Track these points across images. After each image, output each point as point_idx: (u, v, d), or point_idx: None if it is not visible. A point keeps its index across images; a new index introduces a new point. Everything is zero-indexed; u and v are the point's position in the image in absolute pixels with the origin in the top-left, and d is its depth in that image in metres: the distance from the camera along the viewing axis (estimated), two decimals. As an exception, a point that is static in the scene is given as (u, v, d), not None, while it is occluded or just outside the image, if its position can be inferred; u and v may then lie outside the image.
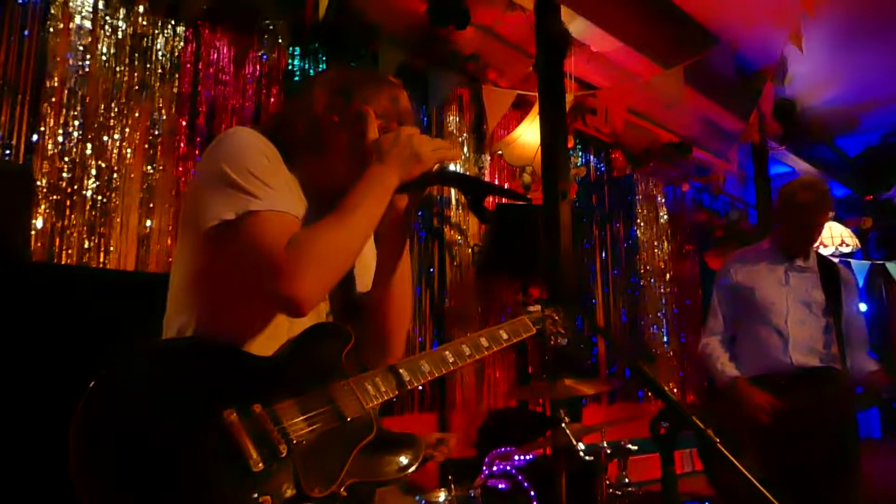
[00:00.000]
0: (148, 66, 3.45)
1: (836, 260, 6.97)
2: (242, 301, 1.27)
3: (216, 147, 1.31)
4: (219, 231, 1.23)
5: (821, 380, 2.85)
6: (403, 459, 1.29)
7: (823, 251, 6.90)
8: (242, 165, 1.25)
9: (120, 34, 3.36)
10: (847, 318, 2.95)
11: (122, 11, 3.38)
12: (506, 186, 4.96)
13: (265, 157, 1.29)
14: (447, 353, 1.44)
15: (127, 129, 3.33)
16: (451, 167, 4.76)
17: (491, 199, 4.63)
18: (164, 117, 3.48)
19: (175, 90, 3.55)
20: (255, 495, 1.10)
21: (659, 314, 6.47)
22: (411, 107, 1.49)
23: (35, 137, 3.03)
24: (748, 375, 2.88)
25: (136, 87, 3.39)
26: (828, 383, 2.85)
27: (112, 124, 3.28)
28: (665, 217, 6.78)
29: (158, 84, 3.48)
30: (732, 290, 3.05)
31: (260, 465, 1.12)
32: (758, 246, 3.16)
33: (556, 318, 1.68)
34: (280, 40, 3.96)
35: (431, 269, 4.57)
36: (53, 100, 3.10)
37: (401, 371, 1.36)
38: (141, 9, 3.45)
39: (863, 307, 8.12)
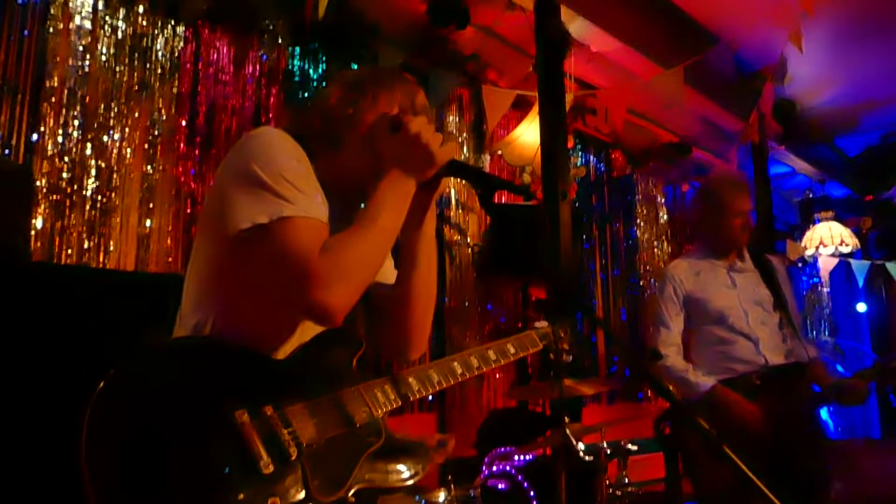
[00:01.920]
0: (148, 66, 3.45)
1: (835, 258, 6.99)
2: (262, 304, 1.27)
3: (245, 146, 1.31)
4: (250, 234, 1.22)
5: (791, 376, 2.83)
6: (411, 467, 1.31)
7: (823, 251, 6.92)
8: (275, 169, 1.24)
9: (120, 34, 3.36)
10: (791, 309, 2.95)
11: (122, 11, 3.38)
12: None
13: (296, 160, 1.29)
14: (455, 363, 1.45)
15: (127, 129, 3.33)
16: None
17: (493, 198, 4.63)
18: (164, 117, 3.48)
19: (175, 90, 3.54)
20: (264, 497, 1.11)
21: (659, 314, 6.46)
22: (427, 104, 1.49)
23: (35, 137, 3.03)
24: (717, 381, 2.81)
25: (136, 87, 3.39)
26: (797, 379, 2.84)
27: (112, 124, 3.28)
28: (665, 217, 6.78)
29: (158, 84, 3.48)
30: (683, 299, 2.96)
31: (270, 466, 1.12)
32: (690, 253, 3.12)
33: (563, 334, 1.69)
34: (280, 40, 3.96)
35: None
36: (53, 100, 3.09)
37: (410, 380, 1.38)
38: (141, 9, 3.44)
39: (862, 307, 8.18)
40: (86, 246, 3.14)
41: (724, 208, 2.90)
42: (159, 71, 3.49)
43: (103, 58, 3.28)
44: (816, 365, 2.90)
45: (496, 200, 4.64)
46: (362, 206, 1.49)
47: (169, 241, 3.42)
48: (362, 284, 1.26)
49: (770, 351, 2.85)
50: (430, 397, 4.35)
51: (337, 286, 1.20)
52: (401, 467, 1.30)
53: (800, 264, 7.44)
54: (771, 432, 2.66)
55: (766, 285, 2.95)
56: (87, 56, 3.22)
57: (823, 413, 6.86)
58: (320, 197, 1.34)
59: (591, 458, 2.83)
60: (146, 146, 3.40)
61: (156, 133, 3.44)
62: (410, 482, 1.29)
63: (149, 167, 3.40)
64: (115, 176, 3.26)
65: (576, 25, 4.25)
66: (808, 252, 7.03)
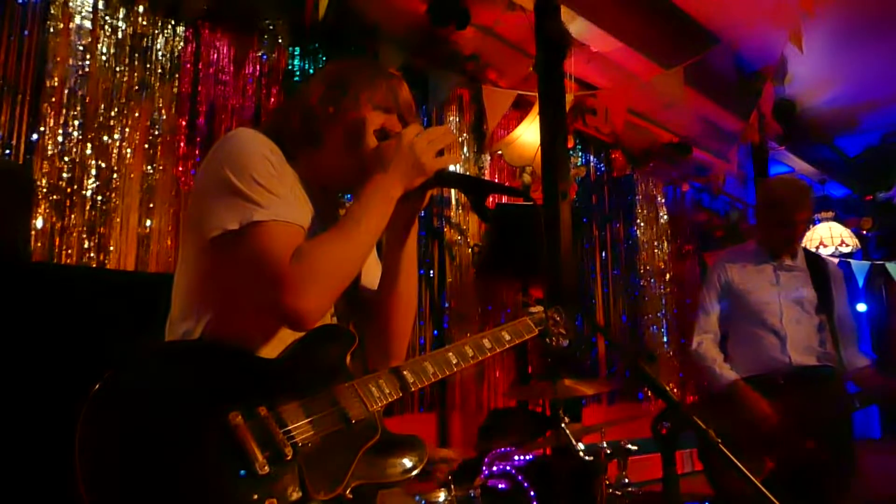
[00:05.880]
0: (148, 66, 3.45)
1: (835, 258, 7.00)
2: (247, 308, 1.26)
3: (219, 150, 1.30)
4: (223, 239, 1.22)
5: (818, 378, 2.84)
6: (408, 461, 1.29)
7: (823, 251, 6.92)
8: (246, 172, 1.23)
9: (120, 34, 3.36)
10: (838, 313, 2.93)
11: (122, 11, 3.38)
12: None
13: (269, 163, 1.27)
14: (450, 354, 1.43)
15: (127, 129, 3.33)
16: (452, 167, 4.76)
17: (491, 199, 4.63)
18: (164, 117, 3.48)
19: (175, 90, 3.54)
20: (261, 498, 1.10)
21: (659, 314, 6.47)
22: (412, 99, 1.47)
23: (35, 137, 3.03)
24: (744, 375, 2.86)
25: (136, 87, 3.39)
26: (825, 382, 2.84)
27: (112, 124, 3.28)
28: (665, 217, 6.78)
29: (158, 84, 3.48)
30: (725, 290, 3.03)
31: (265, 467, 1.11)
32: (744, 246, 3.16)
33: (558, 318, 1.68)
34: (280, 40, 3.96)
35: (431, 270, 4.57)
36: (53, 100, 3.09)
37: (405, 373, 1.36)
38: (141, 9, 3.44)
39: (862, 307, 8.18)
40: (86, 246, 3.14)
41: (787, 215, 2.90)
42: (159, 71, 3.49)
43: (103, 58, 3.28)
44: (865, 372, 2.87)
45: (497, 200, 4.64)
46: (346, 203, 1.48)
47: (169, 241, 3.41)
48: (336, 290, 1.25)
49: (797, 351, 2.86)
50: (430, 397, 4.35)
51: (308, 291, 1.19)
52: (399, 461, 1.28)
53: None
54: (791, 432, 2.66)
55: (813, 286, 2.94)
56: (87, 56, 3.22)
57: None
58: (298, 199, 1.33)
59: (591, 458, 2.83)
60: (146, 146, 3.40)
61: (156, 133, 3.44)
62: (409, 475, 1.28)
63: (149, 167, 3.40)
64: (115, 176, 3.26)
65: (576, 25, 4.25)
66: (809, 252, 7.03)
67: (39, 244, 2.98)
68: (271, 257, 1.19)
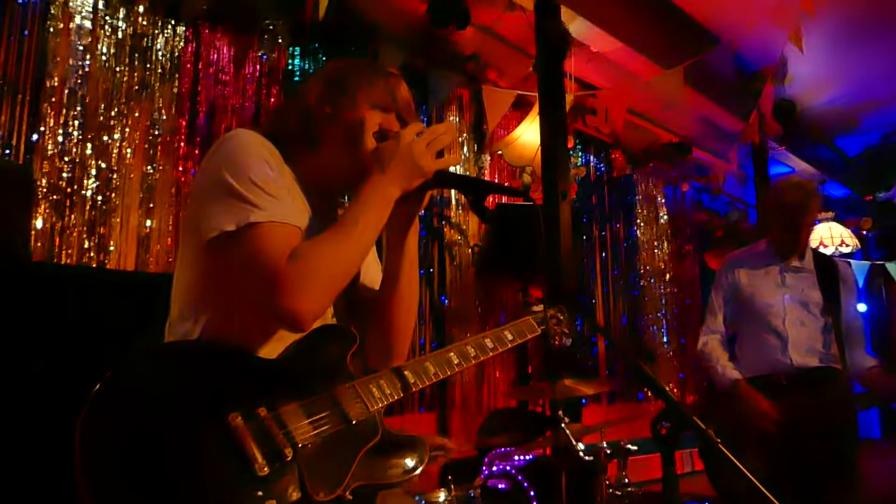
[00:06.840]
0: (148, 66, 3.45)
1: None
2: (246, 309, 1.26)
3: (217, 152, 1.30)
4: (220, 241, 1.22)
5: (821, 380, 2.84)
6: (408, 462, 1.29)
7: (824, 252, 6.91)
8: (244, 173, 1.23)
9: (120, 34, 3.36)
10: (845, 315, 2.93)
11: (122, 11, 3.38)
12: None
13: (267, 164, 1.27)
14: (452, 354, 1.43)
15: (127, 129, 3.33)
16: (451, 168, 4.76)
17: (491, 199, 4.63)
18: (164, 117, 3.47)
19: (175, 90, 3.54)
20: (261, 499, 1.10)
21: (659, 314, 6.47)
22: (412, 98, 1.47)
23: (35, 137, 3.03)
24: (748, 376, 2.87)
25: (136, 87, 3.39)
26: (828, 383, 2.84)
27: (112, 124, 3.28)
28: (665, 217, 6.78)
29: (158, 84, 3.48)
30: (732, 291, 3.04)
31: (265, 468, 1.11)
32: (754, 247, 3.16)
33: (561, 318, 1.68)
34: (280, 40, 3.96)
35: (431, 269, 4.56)
36: (53, 100, 3.09)
37: (406, 373, 1.35)
38: (141, 9, 3.44)
39: (862, 308, 8.18)
40: (86, 246, 3.14)
41: (793, 218, 2.91)
42: (159, 71, 3.49)
43: (103, 58, 3.28)
44: (873, 372, 2.87)
45: (497, 200, 4.64)
46: (346, 204, 1.48)
47: (169, 241, 3.41)
48: (333, 290, 1.25)
49: (799, 353, 2.86)
50: (430, 397, 4.35)
51: (305, 292, 1.18)
52: (399, 462, 1.28)
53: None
54: (792, 433, 2.67)
55: (820, 288, 2.94)
56: (87, 56, 3.22)
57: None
58: (296, 200, 1.33)
59: (591, 458, 2.83)
60: (146, 146, 3.40)
61: (156, 133, 3.44)
62: (409, 476, 1.28)
63: (149, 167, 3.40)
64: (115, 176, 3.26)
65: (576, 25, 4.25)
66: (809, 252, 7.02)
67: (39, 244, 2.98)
68: (267, 258, 1.19)
